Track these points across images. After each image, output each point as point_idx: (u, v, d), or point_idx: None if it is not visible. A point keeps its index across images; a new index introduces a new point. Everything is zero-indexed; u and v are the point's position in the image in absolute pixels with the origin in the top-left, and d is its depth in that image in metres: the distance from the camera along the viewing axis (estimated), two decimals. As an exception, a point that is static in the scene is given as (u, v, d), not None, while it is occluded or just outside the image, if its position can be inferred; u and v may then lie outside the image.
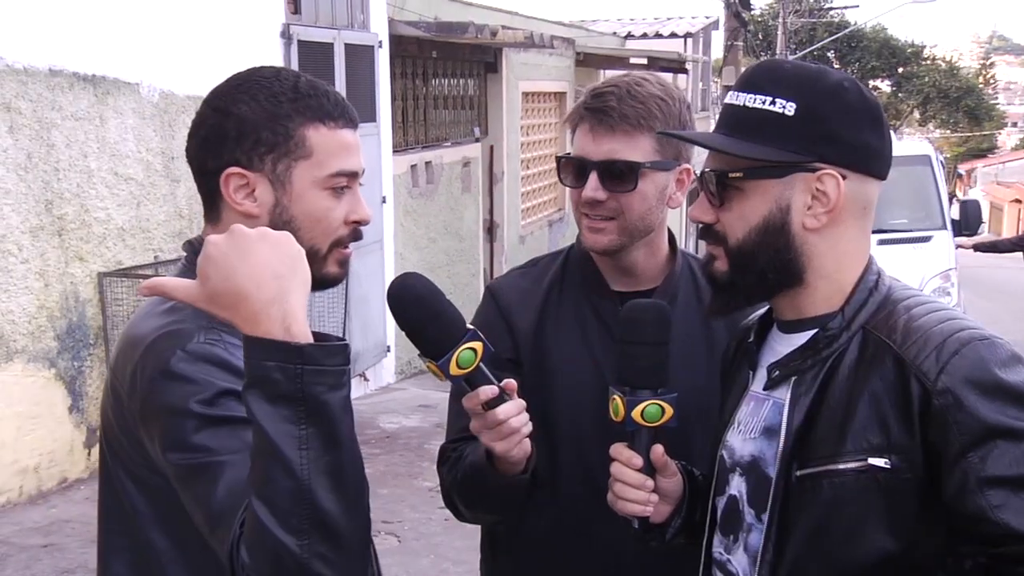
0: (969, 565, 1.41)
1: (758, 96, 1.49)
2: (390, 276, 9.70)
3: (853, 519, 1.42)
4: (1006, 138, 68.72)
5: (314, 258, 1.54)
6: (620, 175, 1.85)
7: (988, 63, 68.60)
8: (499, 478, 1.77)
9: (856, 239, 1.54)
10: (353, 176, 1.59)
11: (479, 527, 2.14)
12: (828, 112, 1.48)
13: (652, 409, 1.59)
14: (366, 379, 9.29)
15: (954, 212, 10.05)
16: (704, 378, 1.88)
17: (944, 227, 9.67)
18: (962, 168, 57.01)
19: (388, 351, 9.68)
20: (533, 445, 1.73)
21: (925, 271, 8.85)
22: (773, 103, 1.48)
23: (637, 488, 1.64)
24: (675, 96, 1.92)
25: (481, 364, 1.61)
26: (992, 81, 63.34)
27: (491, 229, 13.05)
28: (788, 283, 1.52)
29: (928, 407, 1.37)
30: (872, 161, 1.52)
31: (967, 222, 9.83)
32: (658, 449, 1.64)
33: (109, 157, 6.21)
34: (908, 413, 1.38)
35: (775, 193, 1.49)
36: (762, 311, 1.68)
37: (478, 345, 1.59)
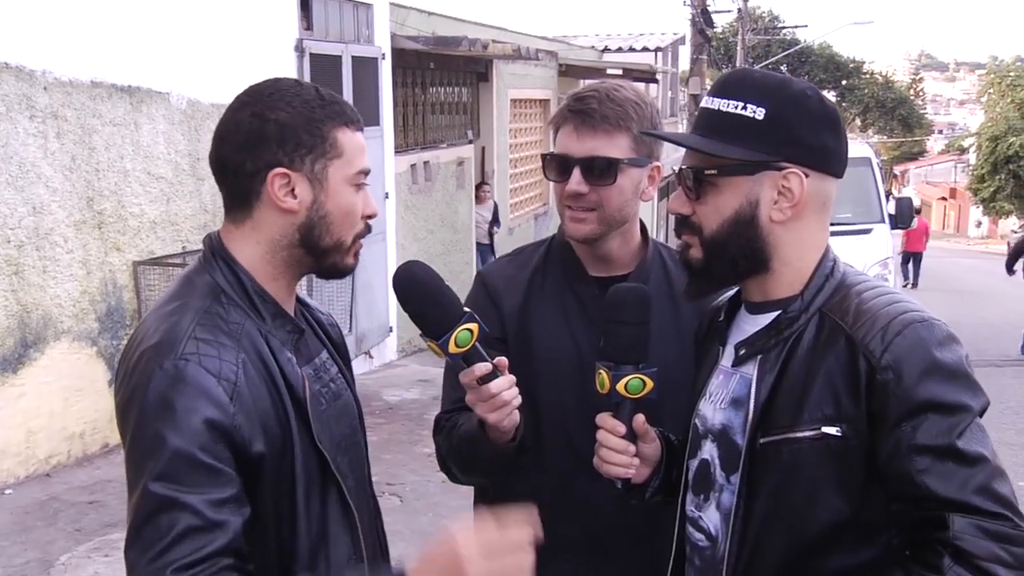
0: (896, 542, 1.43)
1: (731, 101, 1.50)
2: (392, 264, 9.69)
3: (810, 481, 1.43)
4: (933, 143, 68.90)
5: (340, 249, 1.56)
6: (601, 170, 1.85)
7: (918, 78, 68.67)
8: (491, 446, 1.77)
9: (816, 231, 1.54)
10: (367, 173, 1.59)
11: (472, 489, 2.13)
12: (793, 117, 1.48)
13: (634, 383, 1.60)
14: (371, 356, 9.27)
15: (890, 208, 10.08)
16: (673, 352, 1.88)
17: (882, 220, 9.71)
18: (897, 169, 57.16)
19: (390, 331, 9.66)
20: (520, 415, 1.73)
21: (867, 259, 8.87)
22: (745, 108, 1.48)
23: (621, 453, 1.65)
24: (647, 101, 1.93)
25: (476, 344, 1.61)
26: (921, 94, 63.32)
27: (496, 223, 12.98)
28: (755, 269, 1.53)
29: (872, 381, 1.38)
30: (831, 161, 1.52)
31: (901, 216, 9.88)
32: (639, 418, 1.65)
33: (143, 159, 6.16)
34: (856, 387, 1.39)
35: (745, 189, 1.49)
36: (731, 293, 1.68)
37: (474, 326, 1.60)
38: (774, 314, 1.53)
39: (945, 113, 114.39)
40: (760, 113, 1.47)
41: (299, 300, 1.67)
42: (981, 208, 41.03)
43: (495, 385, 1.64)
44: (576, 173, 1.85)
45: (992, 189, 37.34)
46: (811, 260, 1.53)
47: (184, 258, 6.41)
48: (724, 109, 1.50)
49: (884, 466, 1.38)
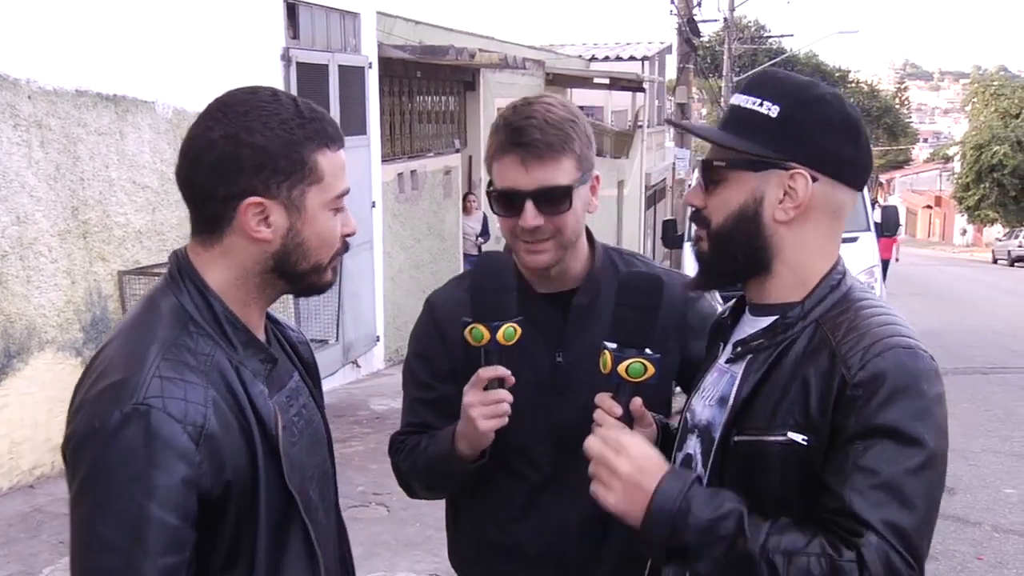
0: None
1: (751, 98, 1.51)
2: (379, 273, 9.70)
3: (774, 484, 1.44)
4: (919, 152, 69.38)
5: (317, 271, 1.49)
6: (555, 200, 1.79)
7: (903, 87, 69.27)
8: (461, 464, 1.81)
9: (823, 238, 1.53)
10: (346, 194, 1.51)
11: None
12: (806, 119, 1.48)
13: (636, 366, 1.57)
14: (358, 366, 9.25)
15: (876, 216, 10.12)
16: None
17: (868, 229, 9.72)
18: (883, 177, 57.47)
19: (377, 340, 9.64)
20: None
21: (853, 267, 8.85)
22: (761, 104, 1.49)
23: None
24: (579, 115, 1.88)
25: (510, 345, 1.72)
26: (906, 103, 63.85)
27: (485, 235, 12.97)
28: (757, 269, 1.53)
29: (842, 395, 1.37)
30: (845, 170, 1.51)
31: (887, 224, 9.91)
32: (637, 401, 1.62)
33: (128, 168, 6.14)
34: (827, 399, 1.39)
35: (751, 185, 1.49)
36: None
37: (519, 329, 1.71)
38: (772, 318, 1.53)
39: (930, 122, 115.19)
40: (774, 111, 1.48)
41: (269, 318, 1.60)
42: (966, 216, 41.32)
43: (503, 392, 1.71)
44: (529, 207, 1.78)
45: (977, 197, 37.63)
46: (817, 268, 1.52)
47: (170, 267, 6.39)
48: (744, 105, 1.52)
49: (827, 476, 1.38)
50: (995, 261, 34.14)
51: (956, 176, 41.01)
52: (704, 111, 47.32)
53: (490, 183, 1.85)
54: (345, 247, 1.54)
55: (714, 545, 1.38)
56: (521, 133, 1.77)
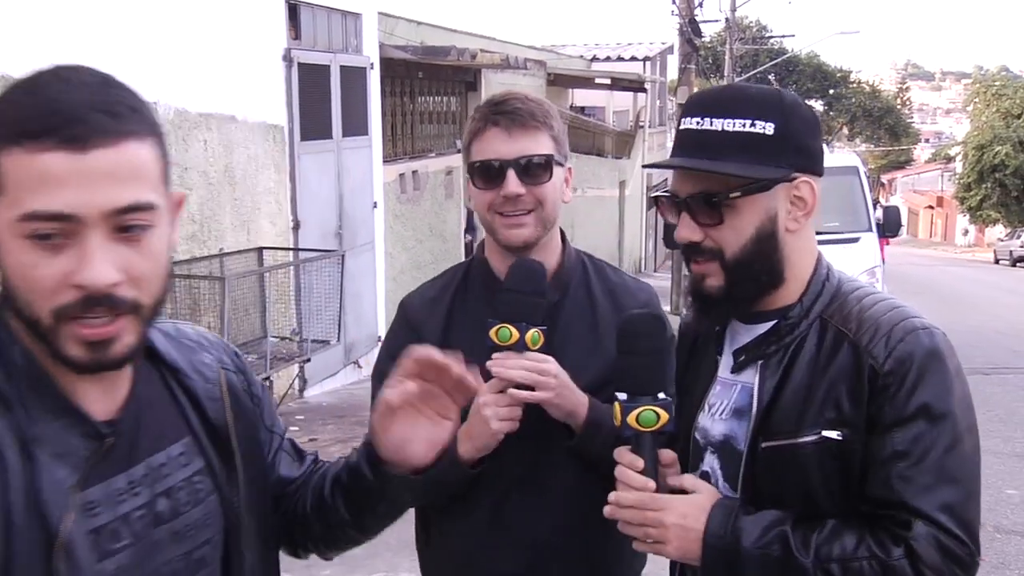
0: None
1: (736, 120, 1.47)
2: (381, 274, 9.70)
3: (811, 484, 1.45)
4: (920, 152, 69.40)
5: (39, 330, 1.04)
6: (537, 168, 1.81)
7: (904, 87, 69.24)
8: (462, 469, 1.77)
9: (811, 236, 1.57)
10: (64, 219, 0.99)
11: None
12: (799, 128, 1.50)
13: (647, 415, 1.49)
14: (359, 366, 9.24)
15: (878, 216, 10.11)
16: (586, 355, 1.86)
17: (870, 229, 9.71)
18: (885, 178, 57.52)
19: (379, 341, 9.63)
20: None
21: (855, 268, 8.88)
22: (754, 125, 1.47)
23: (640, 489, 1.51)
24: (555, 109, 1.94)
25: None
26: (908, 103, 63.84)
27: (471, 231, 12.98)
28: (776, 283, 1.52)
29: (874, 385, 1.41)
30: (821, 163, 1.55)
31: (889, 225, 9.90)
32: (668, 455, 1.55)
33: (129, 167, 6.13)
34: (859, 391, 1.42)
35: (765, 205, 1.49)
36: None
37: (543, 336, 1.73)
38: (772, 322, 1.53)
39: (932, 122, 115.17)
40: (770, 128, 1.47)
41: (168, 366, 1.23)
42: (968, 216, 41.30)
43: (524, 393, 1.71)
44: (512, 175, 1.79)
45: (979, 198, 37.60)
46: (808, 265, 1.55)
47: (172, 268, 6.37)
48: (730, 129, 1.48)
49: (869, 468, 1.41)
50: (997, 261, 34.11)
51: (958, 176, 41.00)
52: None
53: (473, 163, 1.85)
54: (86, 302, 1.02)
55: (769, 567, 1.41)
56: (504, 104, 1.82)
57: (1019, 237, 33.87)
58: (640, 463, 1.51)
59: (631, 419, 1.50)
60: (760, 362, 1.53)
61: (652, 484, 1.50)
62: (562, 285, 1.93)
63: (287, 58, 7.72)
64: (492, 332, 1.72)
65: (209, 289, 6.45)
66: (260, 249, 7.35)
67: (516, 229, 1.82)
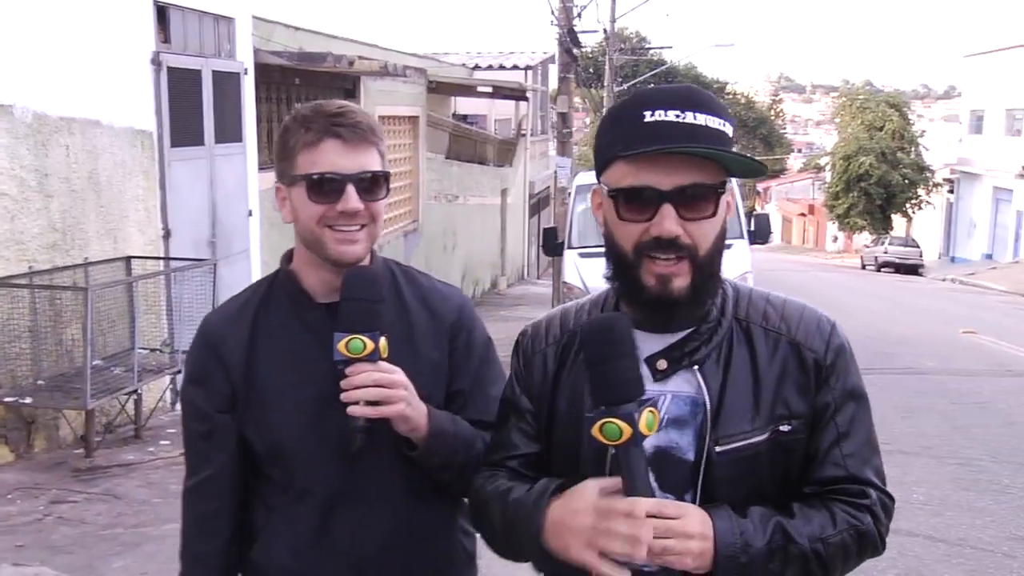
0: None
1: (711, 117, 1.47)
2: (257, 282, 9.47)
3: (762, 476, 1.51)
4: (793, 162, 72.05)
5: None
6: (375, 184, 1.77)
7: (777, 99, 71.91)
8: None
9: None
10: None
11: None
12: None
13: (609, 427, 1.35)
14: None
15: (750, 224, 10.47)
16: (406, 363, 1.74)
17: (742, 236, 10.06)
18: (760, 186, 59.40)
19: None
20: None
21: (728, 273, 9.15)
22: (724, 124, 1.49)
23: (657, 513, 1.37)
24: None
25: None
26: (781, 114, 66.24)
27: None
28: (718, 283, 1.57)
29: (819, 377, 1.53)
30: None
31: (759, 232, 10.27)
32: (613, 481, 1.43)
33: (-17, 173, 5.86)
34: (806, 383, 1.53)
35: (725, 201, 1.52)
36: (592, 307, 1.65)
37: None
38: (687, 329, 1.53)
39: (804, 133, 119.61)
40: (729, 128, 1.51)
41: None
42: (837, 224, 43.06)
43: (372, 411, 1.69)
44: (351, 190, 1.73)
45: (846, 206, 39.26)
46: None
47: (31, 278, 6.12)
48: (712, 125, 1.47)
49: (816, 451, 1.52)
50: (863, 267, 35.66)
51: (827, 185, 42.69)
52: (588, 120, 48.02)
53: (310, 176, 1.73)
54: None
55: (774, 559, 1.45)
56: (343, 116, 1.74)
57: (882, 244, 35.52)
58: (612, 482, 1.40)
59: (595, 432, 1.36)
60: (696, 367, 1.52)
61: (644, 504, 1.36)
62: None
63: (156, 62, 7.50)
64: (342, 344, 1.64)
65: (72, 300, 6.22)
66: (128, 258, 7.11)
67: (349, 245, 1.76)
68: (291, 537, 1.81)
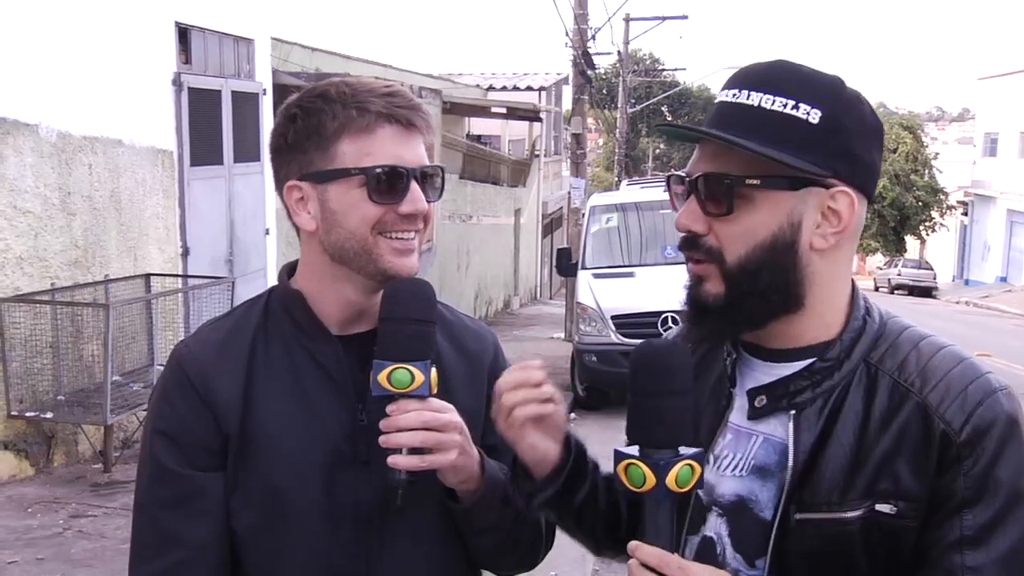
0: None
1: (779, 98, 1.21)
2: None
3: (853, 566, 1.21)
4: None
5: None
6: (436, 180, 1.45)
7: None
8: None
9: (849, 264, 1.31)
10: None
11: None
12: (851, 126, 1.24)
13: (634, 471, 1.16)
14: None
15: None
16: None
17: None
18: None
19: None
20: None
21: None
22: (797, 107, 1.21)
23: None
24: None
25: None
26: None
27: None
28: (789, 307, 1.25)
29: (947, 455, 1.17)
30: (874, 181, 1.29)
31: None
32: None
33: (8, 192, 5.97)
34: (927, 460, 1.18)
35: (788, 207, 1.22)
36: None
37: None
38: (804, 362, 1.26)
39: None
40: (815, 116, 1.21)
41: None
42: (850, 246, 42.99)
43: (418, 461, 1.34)
44: (416, 188, 1.39)
45: (860, 227, 39.28)
46: (843, 298, 1.29)
47: (53, 295, 6.22)
48: (768, 106, 1.22)
49: (928, 550, 1.18)
50: (877, 288, 35.59)
51: (841, 207, 42.63)
52: (601, 141, 48.19)
53: (371, 169, 1.37)
54: None
55: None
56: (400, 98, 1.40)
57: (896, 266, 35.48)
58: (669, 552, 1.17)
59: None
60: (792, 412, 1.25)
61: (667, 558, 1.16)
62: None
63: (177, 82, 7.63)
64: (383, 376, 1.31)
65: (93, 316, 6.31)
66: (147, 276, 7.21)
67: (408, 256, 1.42)
68: None
